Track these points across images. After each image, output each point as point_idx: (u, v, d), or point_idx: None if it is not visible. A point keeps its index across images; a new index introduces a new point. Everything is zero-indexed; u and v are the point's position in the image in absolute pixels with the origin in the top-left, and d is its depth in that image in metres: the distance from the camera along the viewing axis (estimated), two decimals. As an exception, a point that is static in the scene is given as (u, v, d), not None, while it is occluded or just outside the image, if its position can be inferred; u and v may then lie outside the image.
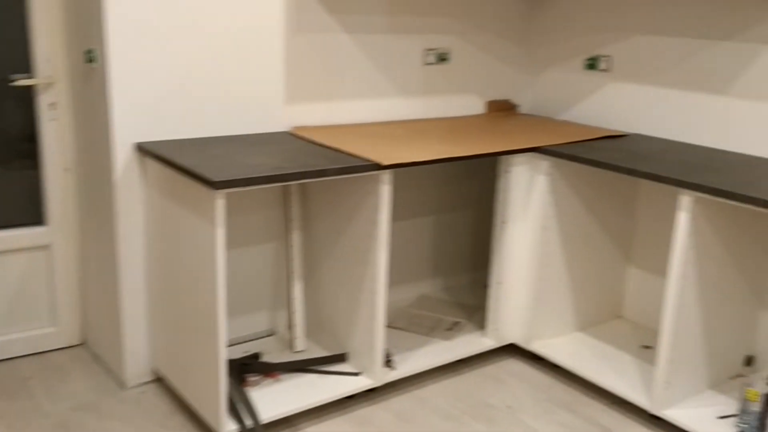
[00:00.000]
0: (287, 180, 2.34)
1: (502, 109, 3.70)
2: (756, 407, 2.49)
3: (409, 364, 2.94)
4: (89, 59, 2.66)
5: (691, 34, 3.08)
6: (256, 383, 2.72)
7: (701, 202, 2.53)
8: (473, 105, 3.61)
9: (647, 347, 3.19)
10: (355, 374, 2.82)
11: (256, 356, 2.90)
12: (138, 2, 2.54)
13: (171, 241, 2.58)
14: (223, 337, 2.35)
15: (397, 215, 3.49)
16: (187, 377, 2.61)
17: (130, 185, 2.67)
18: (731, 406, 2.73)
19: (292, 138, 2.87)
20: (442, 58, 3.43)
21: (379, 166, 2.52)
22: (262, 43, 2.86)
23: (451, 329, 3.29)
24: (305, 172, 2.37)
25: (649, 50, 3.24)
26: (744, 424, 2.52)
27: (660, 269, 3.31)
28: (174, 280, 2.61)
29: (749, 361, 3.00)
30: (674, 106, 3.18)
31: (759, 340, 3.00)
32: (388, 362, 2.90)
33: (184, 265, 2.51)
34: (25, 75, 2.81)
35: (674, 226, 2.60)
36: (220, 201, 2.24)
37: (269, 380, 2.75)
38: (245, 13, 2.79)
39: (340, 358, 2.89)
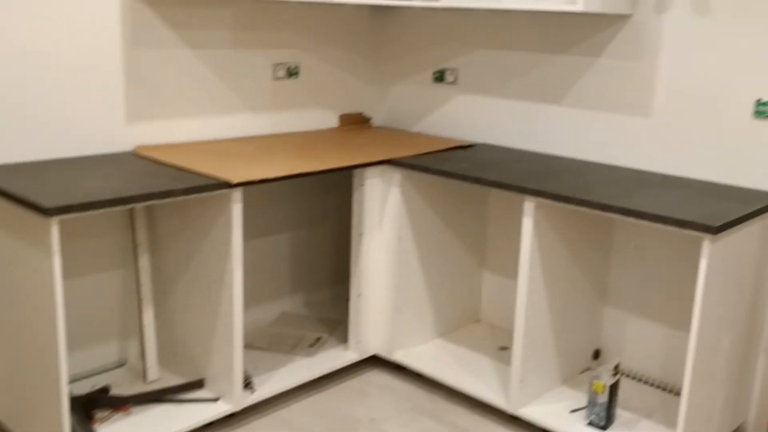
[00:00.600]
0: (129, 203, 2.23)
1: (354, 123, 3.72)
2: (603, 398, 2.62)
3: (270, 385, 2.88)
4: None
5: (529, 48, 3.23)
6: (105, 419, 2.57)
7: (543, 207, 2.65)
8: (326, 119, 3.61)
9: (504, 348, 3.29)
10: (214, 400, 2.73)
11: (104, 390, 2.75)
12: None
13: (5, 275, 2.40)
14: (64, 372, 2.20)
15: (252, 233, 3.43)
16: (29, 422, 2.43)
17: (-45, 216, 2.46)
18: (582, 399, 2.86)
19: (136, 158, 2.76)
20: (292, 73, 3.41)
21: (228, 185, 2.46)
22: (99, 59, 2.73)
23: (314, 345, 3.26)
24: (149, 194, 2.27)
25: (492, 63, 3.36)
26: (593, 415, 2.65)
27: (512, 272, 3.43)
28: (10, 317, 2.42)
29: (596, 354, 3.17)
30: (517, 116, 3.32)
31: (604, 334, 3.17)
32: (247, 385, 2.83)
33: (20, 300, 2.34)
34: None
35: (521, 231, 2.69)
36: (54, 228, 2.10)
37: (120, 414, 2.60)
38: (78, 28, 2.65)
39: (196, 384, 2.79)
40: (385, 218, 3.07)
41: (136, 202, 2.24)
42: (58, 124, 2.67)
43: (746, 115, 2.68)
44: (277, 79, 3.36)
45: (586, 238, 2.93)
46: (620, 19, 2.92)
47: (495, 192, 3.42)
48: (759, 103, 2.65)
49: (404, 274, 3.12)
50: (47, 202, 2.07)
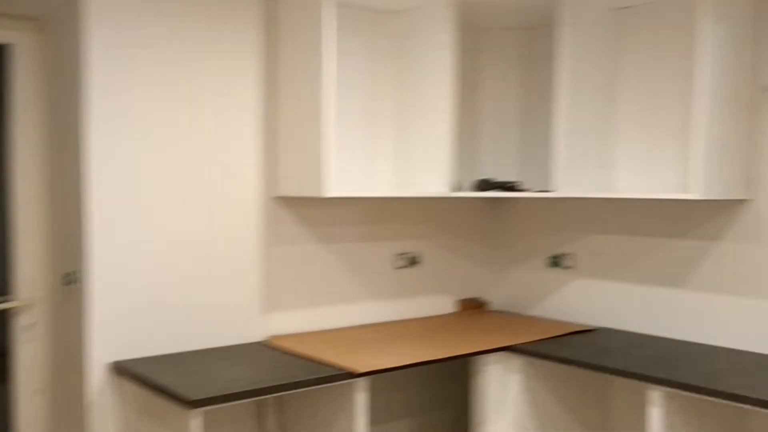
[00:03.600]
0: (263, 394, 2.36)
1: (472, 308, 3.80)
2: None
3: None
4: (69, 281, 2.75)
5: (646, 233, 3.27)
6: None
7: (671, 396, 2.57)
8: (444, 304, 3.71)
9: None
10: None
11: None
12: (118, 226, 2.68)
13: (145, 461, 2.54)
14: None
15: (375, 418, 3.46)
16: None
17: (105, 406, 2.66)
18: None
19: (268, 348, 2.92)
20: (413, 262, 3.57)
21: (353, 374, 2.56)
22: (239, 253, 2.98)
23: None
24: (280, 386, 2.40)
25: (608, 248, 3.41)
26: None
27: (642, 463, 3.27)
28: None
29: None
30: (636, 300, 3.30)
31: None
32: None
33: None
34: (2, 298, 2.88)
35: (646, 421, 2.61)
36: (194, 421, 2.24)
37: None
38: (221, 224, 2.93)
39: None
40: (505, 406, 3.05)
41: (268, 393, 2.37)
42: (199, 317, 2.89)
43: None
44: (399, 267, 3.53)
45: (717, 430, 2.79)
46: (737, 203, 2.95)
47: (618, 380, 3.34)
48: None
49: (528, 464, 3.04)
50: (190, 395, 2.23)
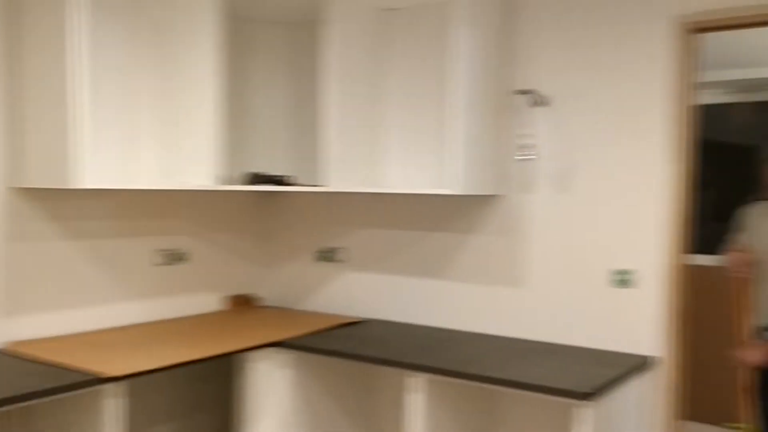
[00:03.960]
0: (-5, 406, 2.11)
1: (241, 304, 3.72)
2: None
3: None
4: None
5: (411, 227, 3.40)
6: None
7: (429, 382, 2.68)
8: (212, 302, 3.60)
9: None
10: None
11: None
12: None
13: None
14: None
15: (136, 424, 3.26)
16: None
17: None
18: None
19: (8, 356, 2.63)
20: (179, 258, 3.42)
21: (101, 380, 2.37)
22: (-27, 255, 2.67)
23: None
24: (14, 397, 2.16)
25: (376, 241, 3.50)
26: None
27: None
28: None
29: None
30: (402, 292, 3.42)
31: None
32: None
33: None
34: None
35: (407, 407, 2.70)
36: None
37: None
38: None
39: None
40: (273, 402, 3.01)
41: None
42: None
43: (608, 283, 2.89)
44: (162, 264, 3.36)
45: (474, 410, 2.96)
46: (491, 199, 3.14)
47: (384, 369, 3.43)
48: (618, 272, 2.86)
49: (295, 459, 3.03)
50: None
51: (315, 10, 3.18)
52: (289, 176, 3.46)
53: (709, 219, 4.50)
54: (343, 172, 3.17)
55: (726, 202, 4.38)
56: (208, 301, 3.59)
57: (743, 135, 4.57)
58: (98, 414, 2.45)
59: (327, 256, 3.66)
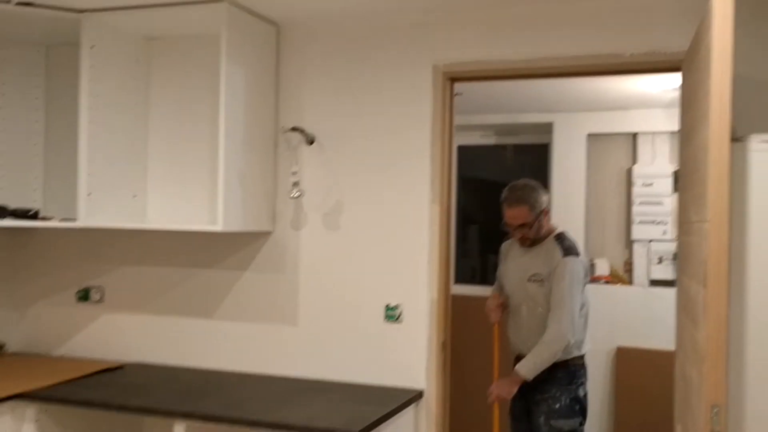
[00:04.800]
0: None
1: (-16, 352, 3.34)
2: None
3: None
4: None
5: (177, 264, 3.25)
6: None
7: (196, 429, 2.56)
8: (-52, 351, 3.19)
9: None
10: None
11: None
12: None
13: None
14: None
15: None
16: None
17: None
18: None
19: None
20: None
21: None
22: None
23: None
24: None
25: (138, 280, 3.31)
26: None
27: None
28: None
29: None
30: (169, 333, 3.26)
31: None
32: None
33: None
34: None
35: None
36: None
37: None
38: None
39: None
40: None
41: None
42: None
43: (378, 319, 2.95)
44: None
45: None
46: (262, 236, 3.10)
47: (147, 417, 3.23)
48: (388, 307, 2.94)
49: None
50: None
51: (74, 33, 2.97)
52: (38, 210, 3.18)
53: (476, 252, 4.82)
54: (98, 205, 2.97)
55: (491, 237, 4.75)
56: (-57, 350, 3.18)
57: (504, 174, 4.98)
58: None
59: (85, 295, 3.40)
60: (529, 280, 2.99)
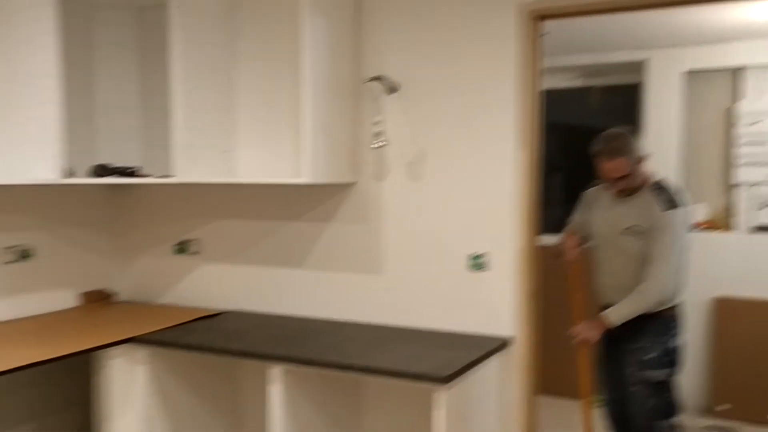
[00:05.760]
0: None
1: (96, 300, 3.57)
2: None
3: None
4: None
5: (267, 217, 3.37)
6: None
7: (290, 372, 2.68)
8: (64, 299, 3.44)
9: None
10: None
11: None
12: None
13: None
14: None
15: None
16: None
17: None
18: None
19: None
20: (24, 255, 3.24)
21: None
22: None
23: None
24: None
25: (233, 232, 3.45)
26: None
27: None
28: None
29: None
30: (262, 282, 3.40)
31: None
32: None
33: None
34: None
35: (269, 397, 2.70)
36: None
37: None
38: None
39: None
40: (131, 399, 2.93)
41: None
42: None
43: (463, 267, 2.98)
44: (8, 263, 3.18)
45: (337, 398, 3.00)
46: (346, 187, 3.17)
47: (244, 361, 3.40)
48: (473, 256, 2.96)
49: (153, 456, 2.97)
50: None
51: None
52: (138, 167, 3.35)
53: (561, 200, 4.73)
54: (192, 161, 3.10)
55: (576, 184, 4.61)
56: (62, 299, 3.43)
57: (590, 118, 4.81)
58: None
59: (183, 248, 3.58)
60: (623, 232, 2.89)
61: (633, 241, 2.87)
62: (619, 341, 2.95)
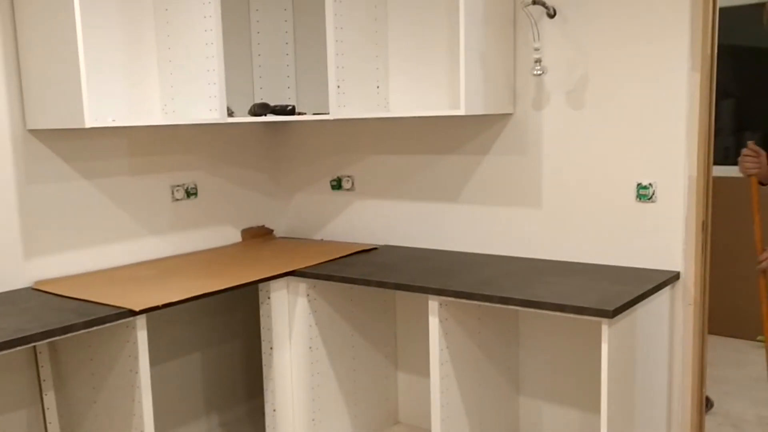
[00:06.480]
0: (29, 342, 2.16)
1: (257, 236, 3.74)
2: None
3: None
4: None
5: (421, 151, 3.36)
6: None
7: (447, 305, 2.71)
8: (228, 235, 3.62)
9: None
10: None
11: None
12: None
13: None
14: None
15: (159, 357, 3.33)
16: None
17: None
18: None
19: (36, 293, 2.67)
20: (191, 193, 3.42)
21: (130, 313, 2.42)
22: (-11, 197, 2.68)
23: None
24: (48, 332, 2.21)
25: (386, 168, 3.48)
26: None
27: (426, 372, 3.44)
28: None
29: (517, 445, 3.19)
30: (416, 217, 3.42)
31: (522, 424, 3.21)
32: None
33: None
34: None
35: (427, 330, 2.74)
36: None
37: None
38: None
39: None
40: (294, 329, 3.06)
41: (35, 341, 2.18)
42: (-53, 267, 2.58)
43: (629, 198, 2.85)
44: (176, 200, 3.36)
45: (493, 331, 3.00)
46: (503, 118, 3.10)
47: (401, 293, 3.47)
48: (639, 186, 2.83)
49: (318, 383, 3.10)
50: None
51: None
52: (294, 105, 3.42)
53: (731, 130, 4.39)
54: (346, 98, 3.11)
55: (748, 112, 4.21)
56: (225, 234, 3.61)
57: (763, 39, 4.41)
58: (126, 347, 2.50)
59: (338, 184, 3.65)
60: None
61: None
62: None
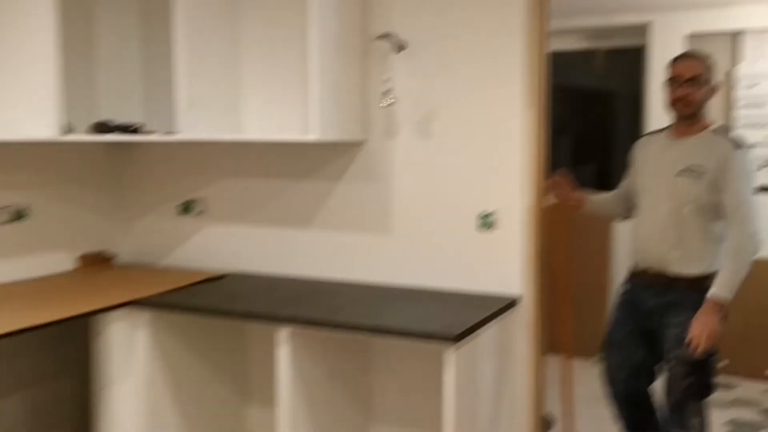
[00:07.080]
0: None
1: (95, 263, 3.50)
2: None
3: None
4: None
5: (274, 175, 3.30)
6: None
7: (297, 334, 2.63)
8: (61, 261, 3.36)
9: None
10: None
11: None
12: None
13: None
14: None
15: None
16: None
17: None
18: None
19: None
20: (19, 215, 3.16)
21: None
22: None
23: None
24: None
25: (238, 192, 3.38)
26: None
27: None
28: None
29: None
30: (267, 243, 3.33)
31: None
32: None
33: None
34: None
35: (276, 360, 2.66)
36: None
37: None
38: None
39: None
40: (132, 366, 2.86)
41: None
42: None
43: (472, 226, 2.94)
44: (2, 223, 3.10)
45: (345, 359, 2.96)
46: (355, 145, 3.10)
47: (250, 324, 3.35)
48: (481, 215, 2.91)
49: (158, 424, 2.91)
50: None
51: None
52: (141, 124, 3.26)
53: (566, 163, 4.71)
54: (196, 119, 3.01)
55: (582, 147, 4.60)
56: (59, 261, 3.35)
57: (595, 80, 4.76)
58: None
59: (187, 208, 3.50)
60: (679, 174, 2.66)
61: (689, 184, 2.65)
62: (654, 314, 2.79)
